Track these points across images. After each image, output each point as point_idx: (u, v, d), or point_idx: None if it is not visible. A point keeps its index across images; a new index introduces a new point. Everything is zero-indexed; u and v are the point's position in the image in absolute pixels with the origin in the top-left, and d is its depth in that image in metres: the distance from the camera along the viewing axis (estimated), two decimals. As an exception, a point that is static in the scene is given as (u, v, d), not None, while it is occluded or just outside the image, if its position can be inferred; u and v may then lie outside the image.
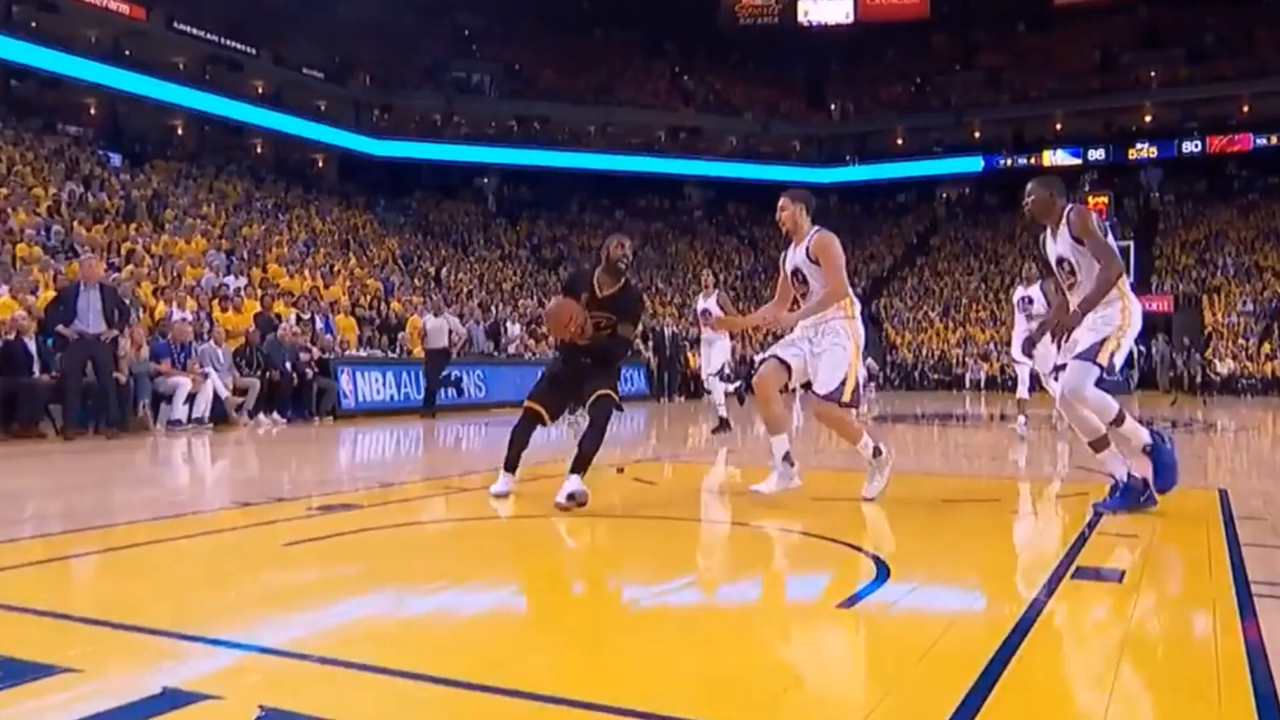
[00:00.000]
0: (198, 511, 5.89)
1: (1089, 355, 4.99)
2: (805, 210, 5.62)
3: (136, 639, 2.87)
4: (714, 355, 11.91)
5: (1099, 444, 5.26)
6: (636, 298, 5.88)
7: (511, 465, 5.79)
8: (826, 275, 5.46)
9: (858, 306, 5.58)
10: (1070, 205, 5.17)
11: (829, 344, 5.41)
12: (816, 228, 5.59)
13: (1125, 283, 5.12)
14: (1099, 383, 4.96)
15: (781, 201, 5.66)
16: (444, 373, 15.47)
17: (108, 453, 9.29)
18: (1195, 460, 9.84)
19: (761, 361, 5.76)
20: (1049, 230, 5.28)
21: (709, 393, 12.50)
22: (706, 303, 11.63)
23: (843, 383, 5.35)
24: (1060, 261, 5.20)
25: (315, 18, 40.51)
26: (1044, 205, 5.23)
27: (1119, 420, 5.12)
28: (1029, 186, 5.38)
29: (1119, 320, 5.01)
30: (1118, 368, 5.12)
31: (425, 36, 45.00)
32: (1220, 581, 3.72)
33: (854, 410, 5.60)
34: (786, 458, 5.49)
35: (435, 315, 15.98)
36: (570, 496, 5.14)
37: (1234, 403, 25.28)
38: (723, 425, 11.52)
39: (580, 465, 5.32)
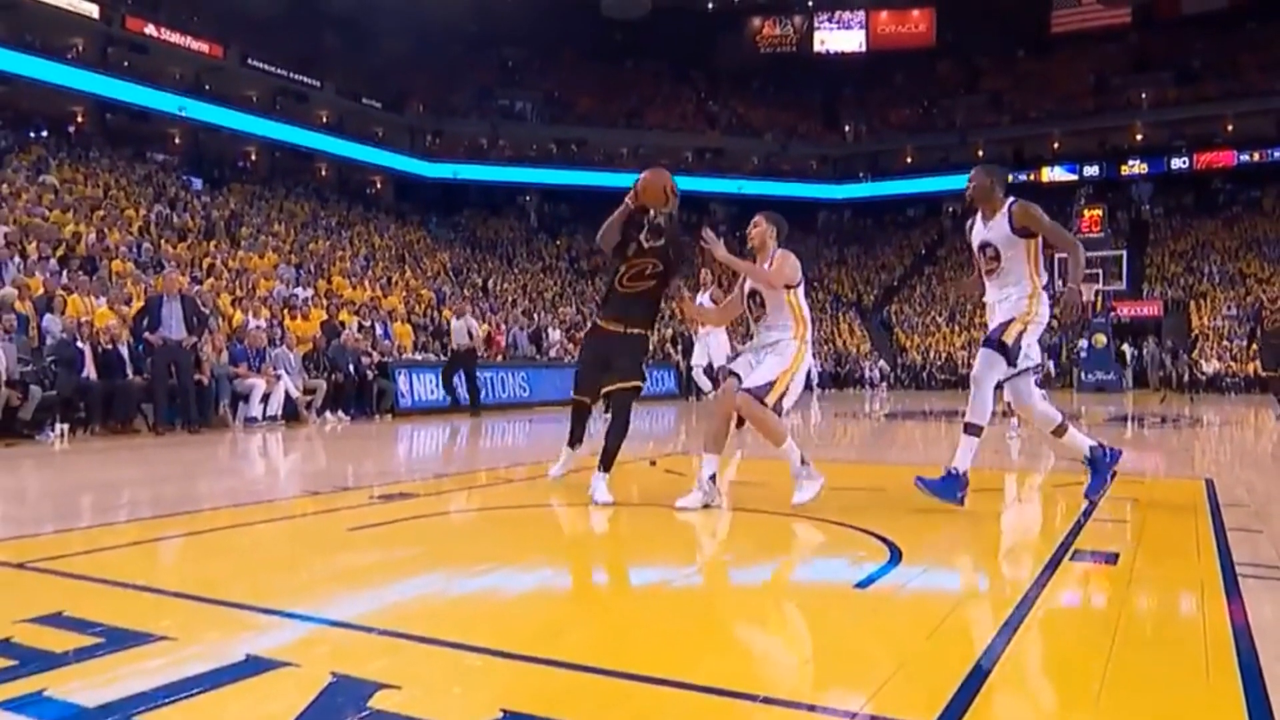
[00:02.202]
0: (272, 499, 5.97)
1: (995, 335, 4.85)
2: (777, 233, 5.19)
3: (221, 612, 2.91)
4: (714, 350, 11.62)
5: (1060, 431, 5.16)
6: (680, 244, 5.54)
7: (574, 441, 5.75)
8: (773, 272, 5.05)
9: (809, 331, 5.14)
10: (1013, 199, 4.96)
11: (779, 353, 5.01)
12: (782, 251, 5.16)
13: (1042, 278, 4.95)
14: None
15: (756, 218, 5.26)
16: (475, 373, 15.02)
17: (192, 446, 9.41)
18: (1183, 452, 9.72)
19: (725, 378, 5.32)
20: (979, 216, 5.07)
21: (706, 391, 11.64)
22: (702, 298, 11.05)
23: (771, 383, 4.89)
24: (984, 247, 5.01)
25: (373, 52, 40.86)
26: (984, 192, 5.00)
27: (974, 432, 4.92)
28: (972, 172, 5.14)
29: (1026, 307, 4.85)
30: (1024, 351, 4.92)
31: (472, 68, 45.24)
32: (1208, 563, 3.69)
33: (779, 415, 4.99)
34: (713, 478, 4.99)
35: (458, 317, 15.55)
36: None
37: (1219, 400, 24.90)
38: (739, 421, 11.23)
39: (607, 461, 5.26)
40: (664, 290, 5.55)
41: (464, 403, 14.67)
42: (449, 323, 16.47)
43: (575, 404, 5.75)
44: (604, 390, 5.46)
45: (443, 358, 17.05)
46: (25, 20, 29.61)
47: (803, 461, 4.95)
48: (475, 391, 14.95)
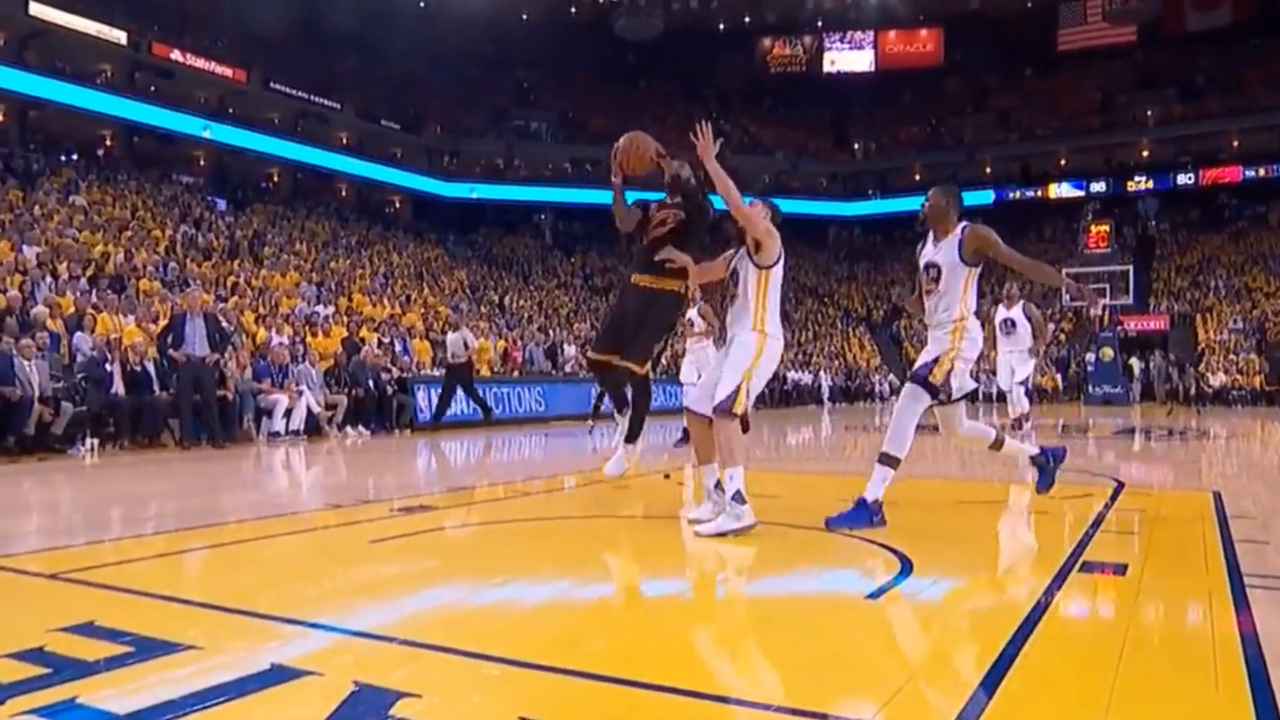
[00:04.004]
0: (295, 512, 6.00)
1: (922, 373, 4.76)
2: (770, 216, 4.92)
3: (246, 622, 2.93)
4: (704, 366, 11.29)
5: (997, 445, 5.12)
6: (701, 202, 5.29)
7: (621, 406, 5.50)
8: (753, 212, 4.77)
9: (773, 322, 4.82)
10: (966, 224, 4.83)
11: (735, 353, 4.75)
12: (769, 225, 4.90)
13: (971, 306, 4.81)
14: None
15: (754, 200, 4.99)
16: (473, 385, 14.48)
17: (218, 461, 9.46)
18: (1191, 465, 9.65)
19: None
20: (931, 236, 4.95)
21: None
22: (690, 313, 10.45)
23: (735, 390, 4.60)
24: (929, 267, 4.89)
25: (392, 75, 41.25)
26: (939, 212, 4.88)
27: (890, 463, 4.77)
28: (931, 191, 5.03)
29: (948, 342, 4.73)
30: (955, 388, 4.78)
31: (488, 89, 45.54)
32: (1215, 574, 3.66)
33: (742, 426, 4.72)
34: (718, 485, 4.79)
35: (454, 330, 14.87)
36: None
37: (1226, 412, 24.67)
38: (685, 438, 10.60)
39: (632, 433, 5.23)
40: (689, 236, 5.23)
41: (448, 419, 14.35)
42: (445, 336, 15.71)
43: (593, 365, 5.42)
44: (630, 344, 5.15)
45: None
46: (56, 47, 30.00)
47: (741, 499, 4.54)
48: (480, 401, 14.56)
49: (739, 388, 4.63)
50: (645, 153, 5.14)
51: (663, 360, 6.72)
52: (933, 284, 4.86)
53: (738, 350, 4.74)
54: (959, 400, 4.97)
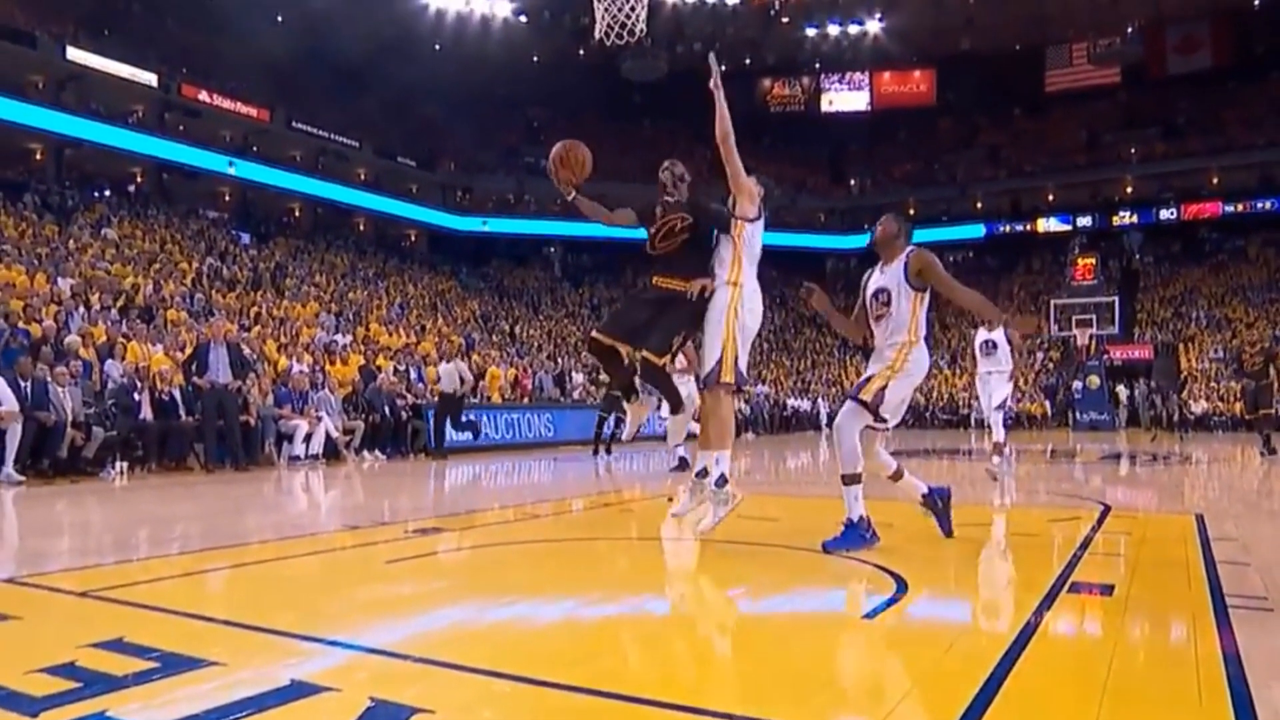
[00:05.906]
0: (314, 533, 6.00)
1: (854, 392, 4.67)
2: (764, 194, 4.94)
3: (267, 639, 2.94)
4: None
5: (895, 476, 4.99)
6: (705, 206, 5.09)
7: (631, 394, 5.25)
8: (742, 171, 4.71)
9: (747, 274, 4.76)
10: (912, 248, 4.74)
11: (712, 316, 4.65)
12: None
13: (920, 331, 4.72)
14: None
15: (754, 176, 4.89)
16: (461, 416, 14.27)
17: (241, 483, 9.46)
18: (1174, 489, 9.61)
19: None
20: (880, 264, 4.88)
21: (677, 445, 10.58)
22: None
23: (719, 361, 4.45)
24: (878, 293, 4.77)
25: (408, 115, 41.58)
26: (889, 237, 4.80)
27: (852, 481, 4.68)
28: (883, 217, 4.97)
29: (887, 363, 4.65)
30: (887, 404, 4.62)
31: (500, 128, 45.83)
32: (1199, 595, 3.65)
33: (737, 393, 4.55)
34: (702, 473, 4.71)
35: (447, 362, 14.77)
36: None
37: (1208, 438, 24.57)
38: (680, 466, 10.37)
39: (672, 405, 5.18)
40: (702, 243, 4.98)
41: (459, 445, 14.17)
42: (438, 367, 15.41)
43: (595, 347, 5.06)
44: (652, 332, 4.88)
45: (471, 399, 16.92)
46: (90, 89, 30.33)
47: (724, 480, 4.42)
48: (468, 425, 14.26)
49: (723, 354, 4.52)
50: (582, 155, 5.10)
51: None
52: (883, 309, 4.76)
53: (714, 314, 4.68)
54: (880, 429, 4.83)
